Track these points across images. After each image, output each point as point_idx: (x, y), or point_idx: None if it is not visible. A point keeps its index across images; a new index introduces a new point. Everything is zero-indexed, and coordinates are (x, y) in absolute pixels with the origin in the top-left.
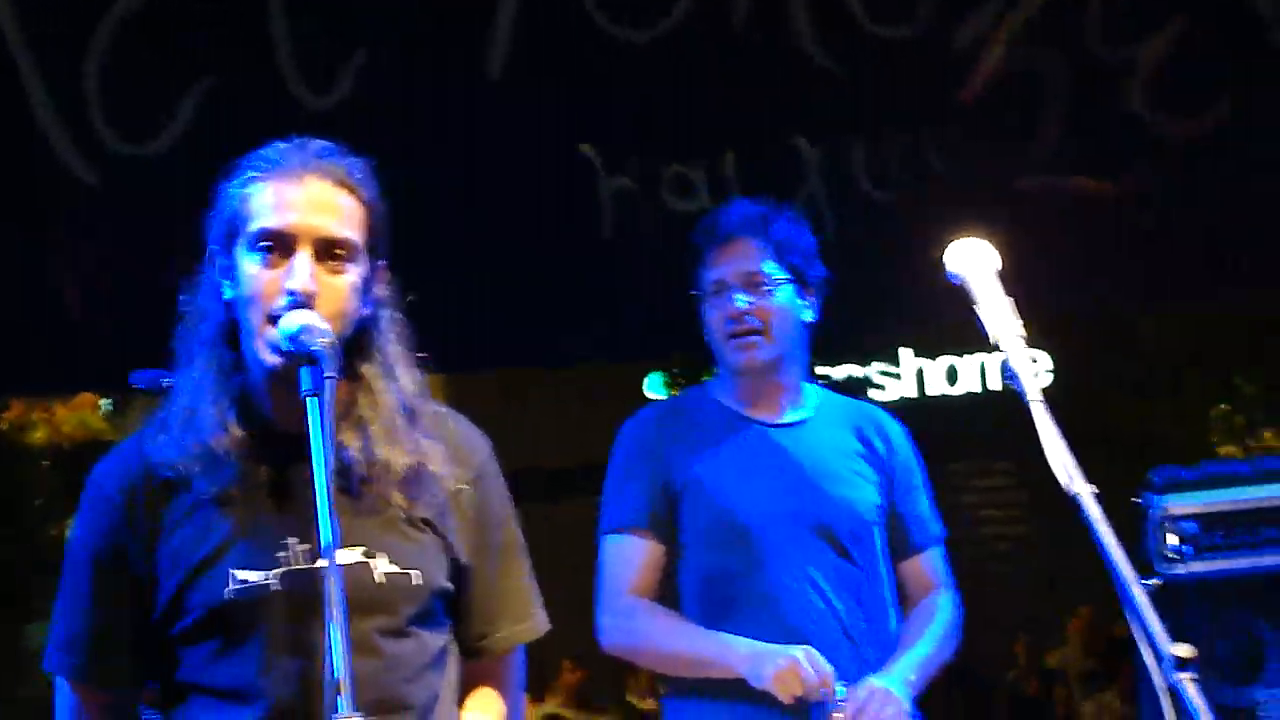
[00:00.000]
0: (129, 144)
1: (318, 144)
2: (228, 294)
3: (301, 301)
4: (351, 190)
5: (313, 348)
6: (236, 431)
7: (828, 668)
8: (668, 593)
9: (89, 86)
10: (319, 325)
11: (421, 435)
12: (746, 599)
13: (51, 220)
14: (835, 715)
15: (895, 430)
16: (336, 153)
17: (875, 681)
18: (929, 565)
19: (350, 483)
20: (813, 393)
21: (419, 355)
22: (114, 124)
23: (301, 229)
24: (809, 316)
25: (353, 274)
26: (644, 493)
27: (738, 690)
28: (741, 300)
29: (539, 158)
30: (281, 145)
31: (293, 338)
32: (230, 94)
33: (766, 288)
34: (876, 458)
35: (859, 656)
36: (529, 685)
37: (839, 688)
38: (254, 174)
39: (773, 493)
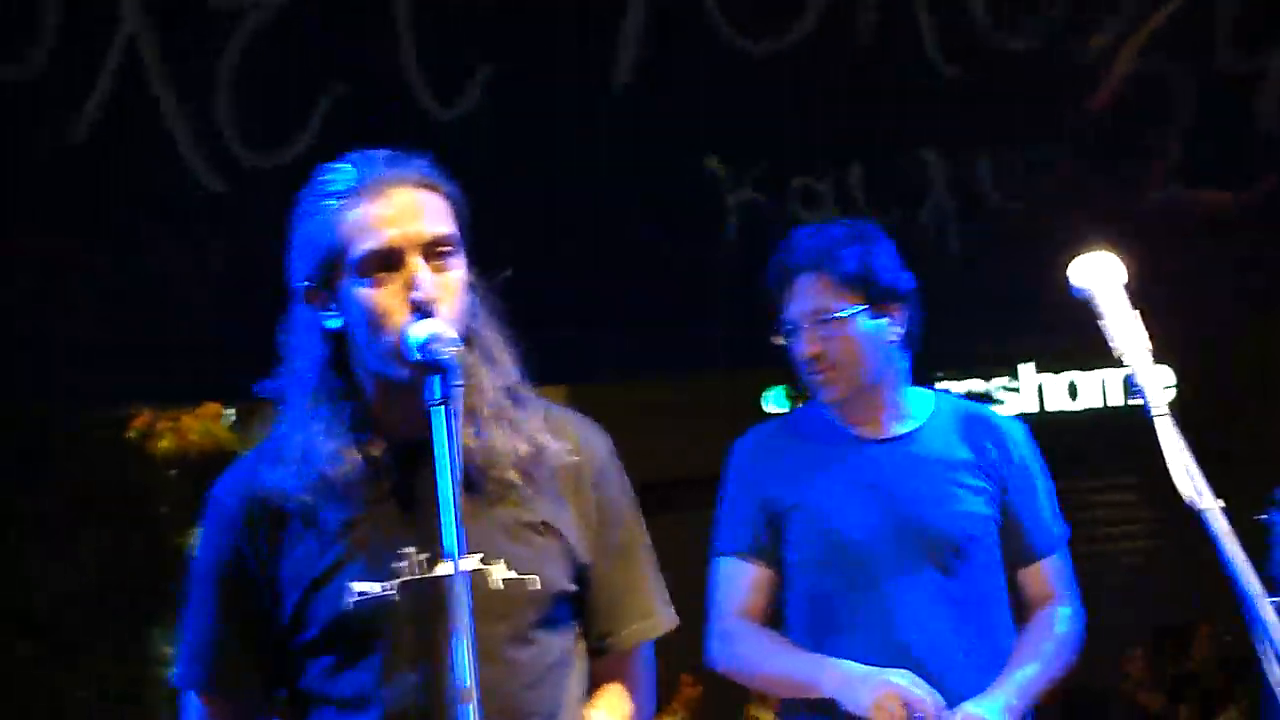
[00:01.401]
0: (258, 153)
1: (385, 154)
2: (334, 325)
3: (428, 310)
4: (434, 188)
5: (441, 357)
6: (354, 455)
7: (929, 695)
8: (777, 616)
9: (221, 97)
10: (446, 334)
11: (535, 422)
12: (851, 620)
13: (181, 230)
14: None
15: (1012, 433)
16: (406, 158)
17: (970, 708)
18: (1049, 572)
19: (468, 472)
20: (922, 400)
21: (537, 360)
22: (244, 133)
23: (404, 239)
24: (896, 334)
25: (459, 268)
26: (750, 517)
27: (840, 712)
28: (808, 344)
29: (665, 170)
30: (347, 166)
31: (422, 348)
32: (358, 104)
33: (835, 322)
34: (989, 464)
35: (965, 676)
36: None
37: (941, 715)
38: (334, 200)
39: (876, 512)
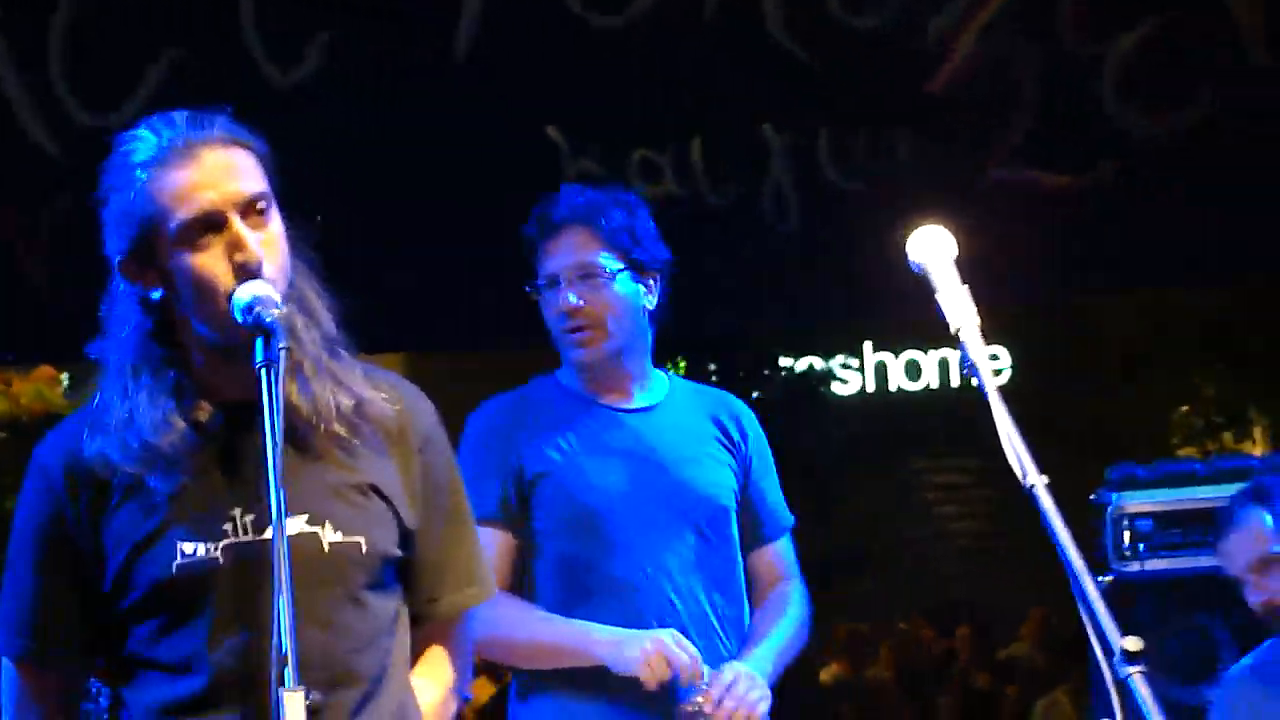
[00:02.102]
0: (92, 114)
1: (183, 115)
2: (156, 295)
3: (253, 271)
4: (242, 145)
5: (267, 319)
6: (179, 423)
7: (695, 651)
8: (523, 584)
9: (54, 55)
10: (271, 295)
11: (356, 376)
12: (602, 586)
13: (14, 191)
14: (698, 700)
15: (748, 417)
16: (209, 117)
17: (740, 666)
18: (779, 555)
19: (294, 426)
20: (662, 379)
21: (380, 328)
22: (78, 93)
23: (223, 201)
24: (651, 303)
25: (276, 222)
26: (495, 484)
27: (590, 681)
28: (573, 296)
29: (504, 139)
30: (147, 133)
31: (246, 310)
32: (195, 66)
33: (600, 279)
34: (731, 443)
35: (717, 643)
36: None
37: (704, 670)
38: (142, 172)
39: (627, 477)
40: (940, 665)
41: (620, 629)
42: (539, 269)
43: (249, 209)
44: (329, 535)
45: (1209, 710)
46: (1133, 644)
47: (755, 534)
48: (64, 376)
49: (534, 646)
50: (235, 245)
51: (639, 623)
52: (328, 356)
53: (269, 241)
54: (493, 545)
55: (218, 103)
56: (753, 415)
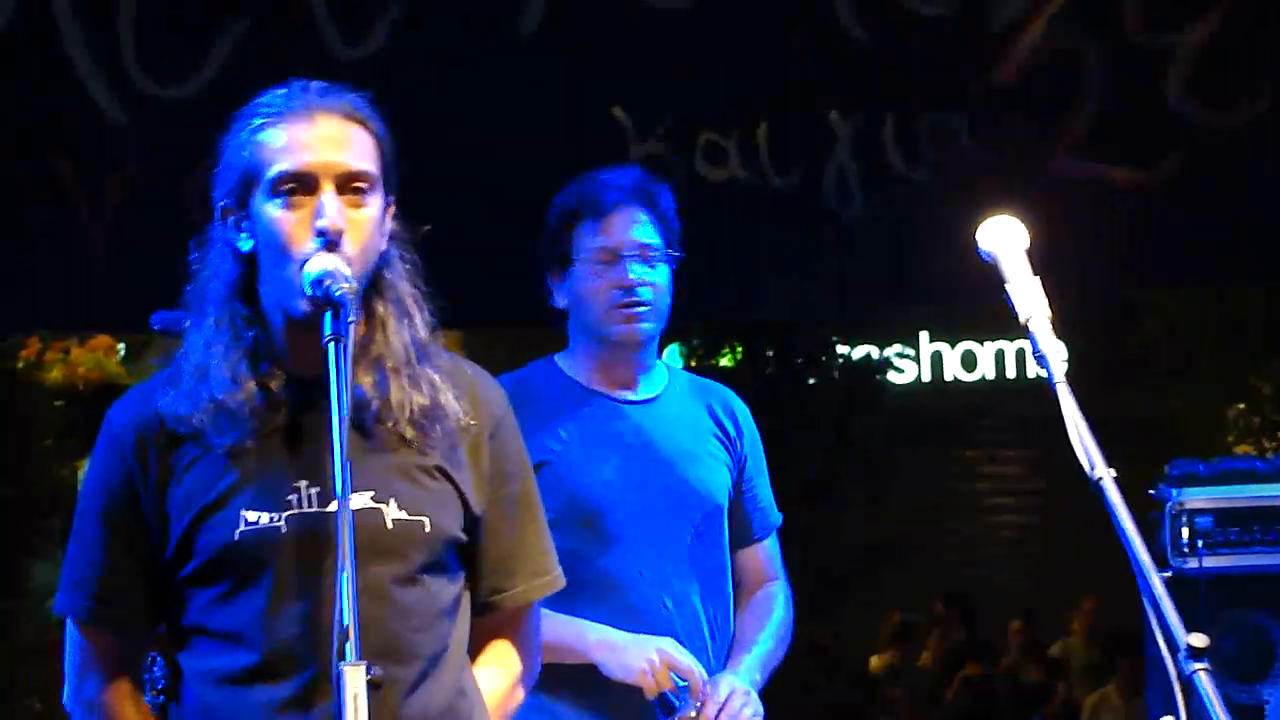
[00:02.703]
0: (159, 85)
1: (319, 84)
2: (245, 246)
3: (333, 240)
4: (362, 123)
5: (336, 293)
6: (250, 385)
7: (697, 664)
8: None
9: (123, 26)
10: (343, 270)
11: (436, 376)
12: (595, 581)
13: (80, 159)
14: (692, 714)
15: (744, 412)
16: (340, 90)
17: (735, 680)
18: (766, 555)
19: (364, 420)
20: (662, 369)
21: (441, 303)
22: (145, 64)
23: (321, 166)
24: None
25: (374, 207)
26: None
27: (571, 681)
28: (637, 270)
29: (570, 118)
30: (282, 90)
31: (316, 283)
32: (262, 39)
33: (656, 261)
34: (728, 439)
35: (705, 646)
36: None
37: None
38: (261, 120)
39: (627, 471)
40: (984, 656)
41: (620, 633)
42: (582, 243)
43: (346, 183)
44: (392, 512)
45: (1267, 709)
46: (1198, 640)
47: (744, 532)
48: (121, 346)
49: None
50: (320, 212)
51: (632, 622)
52: (415, 359)
53: (358, 221)
54: None
55: (284, 76)
56: (747, 410)
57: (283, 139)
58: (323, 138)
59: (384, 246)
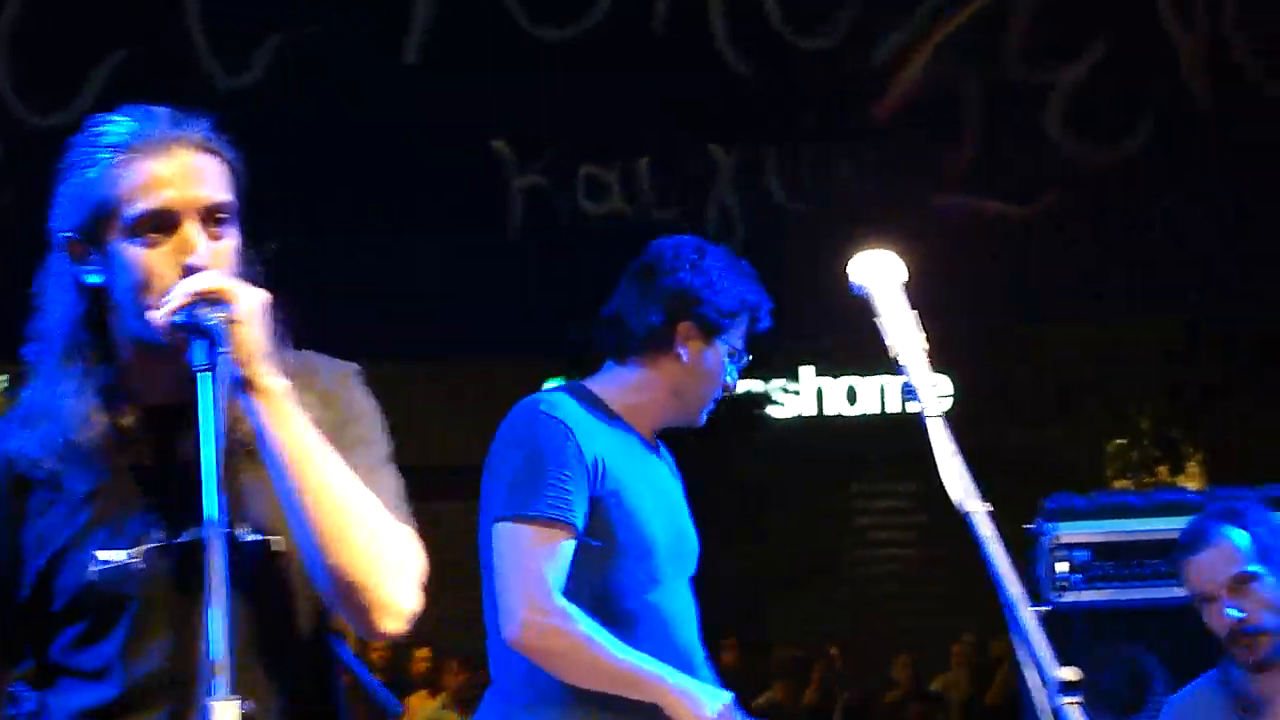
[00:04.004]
0: (36, 115)
1: (164, 111)
2: (93, 280)
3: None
4: (216, 153)
5: (208, 323)
6: (103, 421)
7: None
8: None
9: (0, 55)
10: (214, 294)
11: (294, 385)
12: (646, 616)
13: None
14: None
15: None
16: (190, 119)
17: None
18: None
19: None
20: None
21: (296, 323)
22: (22, 95)
23: (183, 203)
24: None
25: (233, 237)
26: (580, 490)
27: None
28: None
29: (451, 150)
30: (128, 120)
31: (186, 311)
32: (141, 69)
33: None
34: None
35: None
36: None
37: None
38: (111, 155)
39: (665, 513)
40: (870, 696)
41: (692, 680)
42: (736, 335)
43: (209, 216)
44: (244, 534)
45: None
46: (1070, 674)
47: None
48: (3, 378)
49: (608, 669)
50: (185, 248)
51: (673, 657)
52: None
53: (221, 253)
54: (568, 553)
55: (164, 103)
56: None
57: (138, 174)
58: (182, 172)
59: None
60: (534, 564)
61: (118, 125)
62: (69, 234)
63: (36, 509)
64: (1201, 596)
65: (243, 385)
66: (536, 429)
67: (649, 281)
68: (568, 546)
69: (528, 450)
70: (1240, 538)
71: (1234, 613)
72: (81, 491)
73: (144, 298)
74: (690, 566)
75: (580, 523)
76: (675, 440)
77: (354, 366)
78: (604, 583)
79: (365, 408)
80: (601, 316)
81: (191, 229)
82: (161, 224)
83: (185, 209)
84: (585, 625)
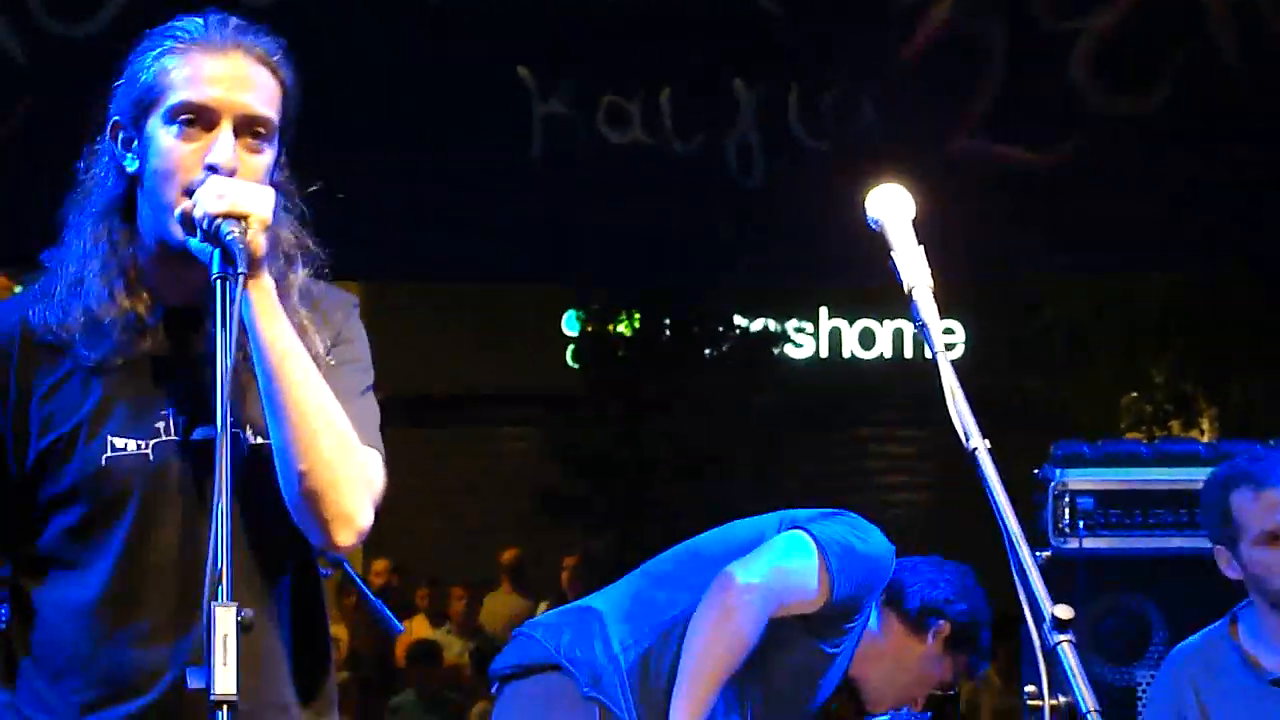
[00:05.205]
0: (63, 23)
1: (238, 20)
2: (131, 166)
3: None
4: (273, 70)
5: (227, 237)
6: (123, 302)
7: None
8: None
9: None
10: (239, 211)
11: (303, 313)
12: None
13: None
14: None
15: None
16: (259, 31)
17: None
18: None
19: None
20: None
21: (331, 254)
22: (47, 2)
23: (225, 104)
24: None
25: (269, 154)
26: (859, 618)
27: None
28: None
29: (474, 76)
30: (200, 19)
31: (210, 220)
32: None
33: None
34: None
35: None
36: (428, 609)
37: None
38: (172, 44)
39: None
40: None
41: None
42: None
43: (245, 126)
44: (249, 438)
45: (1151, 687)
46: (1064, 612)
47: None
48: (18, 287)
49: (712, 689)
50: (215, 149)
51: None
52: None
53: (252, 166)
54: (800, 605)
55: (193, 13)
56: None
57: (189, 68)
58: (231, 76)
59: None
60: (793, 579)
61: (189, 22)
62: (116, 116)
63: (48, 385)
64: (1266, 534)
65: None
66: (885, 557)
67: None
68: (813, 601)
69: (868, 549)
70: None
71: (1253, 564)
72: (93, 361)
73: (167, 187)
74: None
75: (828, 608)
76: (690, 379)
77: (353, 297)
78: (760, 663)
79: (357, 334)
80: None
81: (226, 131)
82: (199, 119)
83: (225, 110)
84: (750, 634)
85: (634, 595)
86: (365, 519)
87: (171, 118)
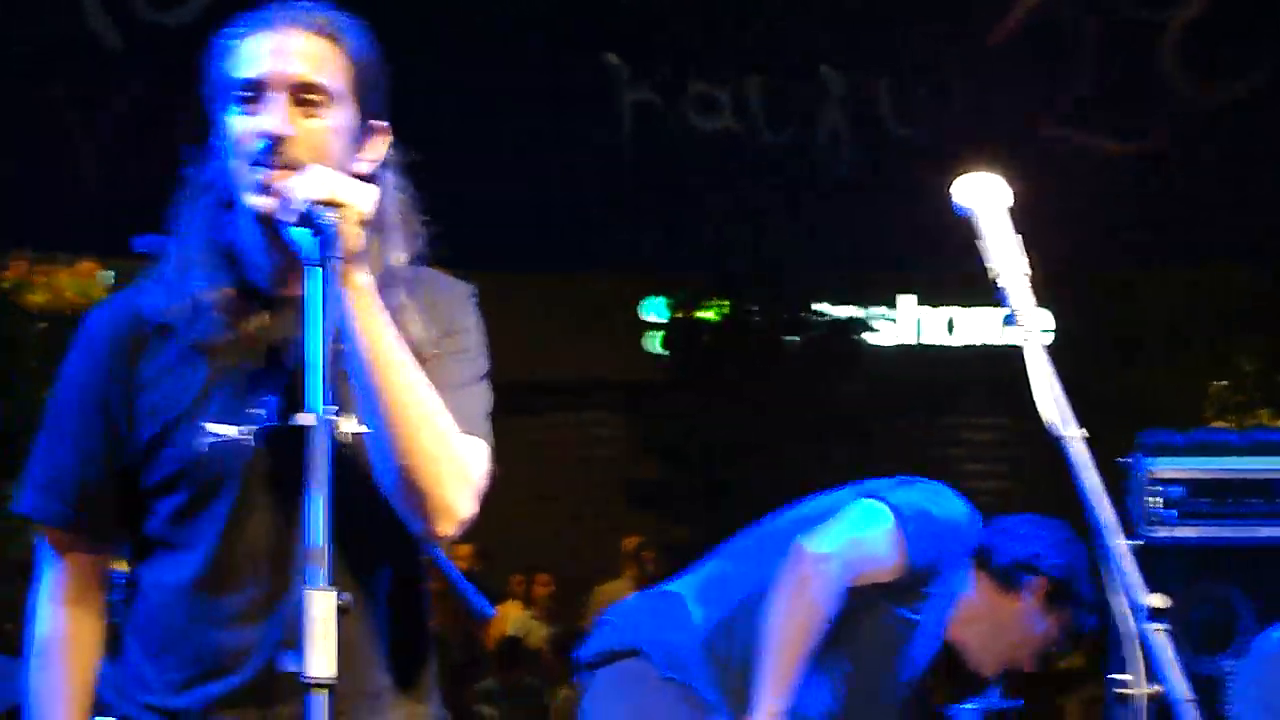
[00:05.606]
0: (157, 10)
1: (304, 2)
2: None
3: (274, 142)
4: (330, 38)
5: (320, 220)
6: (224, 285)
7: None
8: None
9: None
10: (337, 200)
11: (404, 298)
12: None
13: (75, 83)
14: None
15: None
16: (320, 7)
17: None
18: None
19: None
20: None
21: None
22: None
23: (272, 75)
24: None
25: (329, 119)
26: (924, 576)
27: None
28: None
29: (562, 62)
30: (266, 8)
31: (308, 206)
32: None
33: None
34: None
35: None
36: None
37: None
38: (238, 32)
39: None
40: None
41: None
42: None
43: (298, 92)
44: (350, 426)
45: (1234, 679)
46: (1158, 600)
47: None
48: (109, 274)
49: (796, 656)
50: (265, 117)
51: None
52: (386, 284)
53: (310, 130)
54: (874, 575)
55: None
56: None
57: (248, 48)
58: (280, 49)
59: (361, 167)
60: (867, 547)
61: (255, 12)
62: (213, 113)
63: (155, 372)
64: None
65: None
66: (965, 521)
67: None
68: (890, 569)
69: (945, 514)
70: None
71: None
72: (194, 340)
73: (235, 162)
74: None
75: (907, 573)
76: (777, 360)
77: (470, 287)
78: (842, 633)
79: (469, 325)
80: None
81: (276, 100)
82: (255, 94)
83: (275, 81)
84: (828, 605)
85: (710, 575)
86: (465, 509)
87: (232, 98)
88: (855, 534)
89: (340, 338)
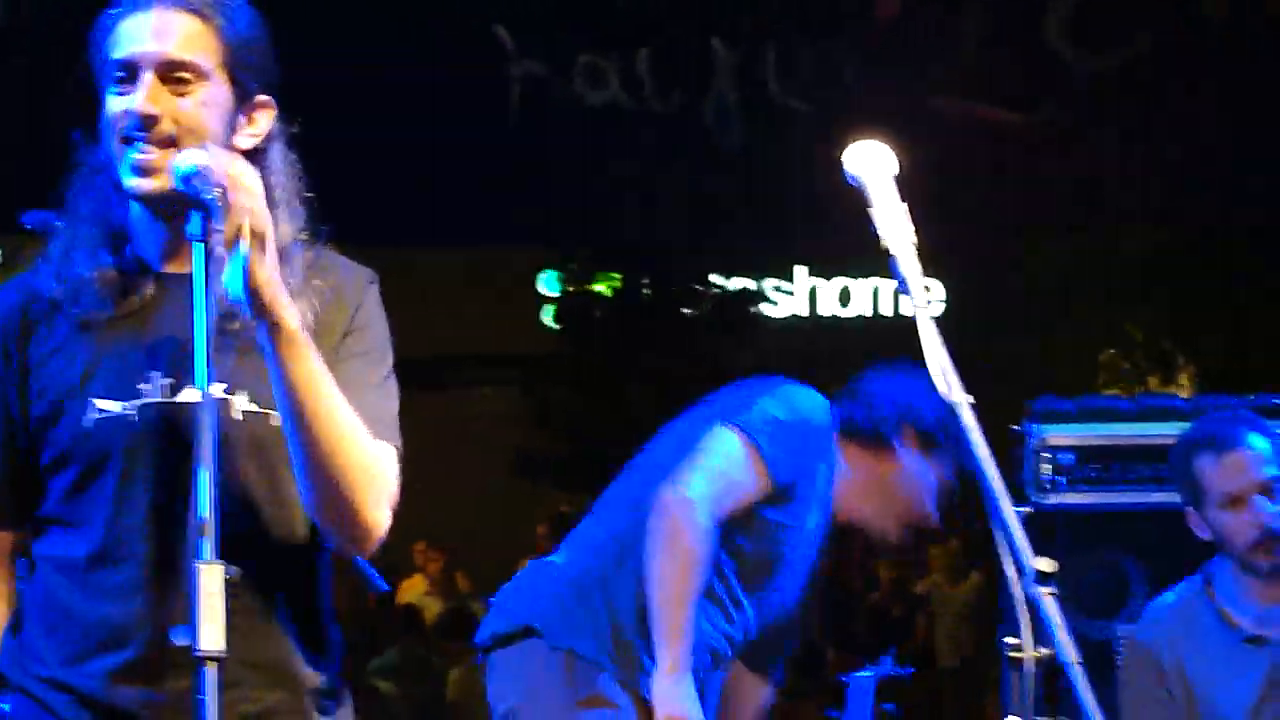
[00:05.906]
0: None
1: None
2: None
3: (144, 121)
4: (200, 16)
5: (204, 195)
6: (109, 263)
7: None
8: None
9: None
10: (213, 171)
11: (299, 280)
12: (736, 608)
13: None
14: None
15: None
16: None
17: None
18: None
19: (221, 317)
20: None
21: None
22: None
23: (141, 55)
24: None
25: (199, 94)
26: (794, 473)
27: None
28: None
29: (450, 34)
30: None
31: (186, 179)
32: None
33: None
34: None
35: None
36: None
37: None
38: (116, 13)
39: (805, 560)
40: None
41: (696, 702)
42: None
43: (168, 71)
44: (242, 404)
45: (1128, 644)
46: (1046, 565)
47: None
48: None
49: (680, 607)
50: (134, 96)
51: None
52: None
53: (179, 108)
54: (749, 498)
55: None
56: None
57: (118, 30)
58: (148, 28)
59: (245, 143)
60: (729, 478)
61: None
62: (101, 93)
63: (43, 356)
64: (1229, 497)
65: (257, 313)
66: (817, 412)
67: None
68: (756, 490)
69: (796, 416)
70: (1264, 442)
71: (1270, 507)
72: (82, 324)
73: (110, 141)
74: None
75: (774, 489)
76: (669, 338)
77: (370, 272)
78: (732, 552)
79: (374, 318)
80: None
81: (147, 80)
82: (127, 75)
83: (144, 61)
84: (704, 550)
85: (580, 530)
86: (381, 529)
87: (109, 79)
88: (715, 469)
89: (232, 316)
